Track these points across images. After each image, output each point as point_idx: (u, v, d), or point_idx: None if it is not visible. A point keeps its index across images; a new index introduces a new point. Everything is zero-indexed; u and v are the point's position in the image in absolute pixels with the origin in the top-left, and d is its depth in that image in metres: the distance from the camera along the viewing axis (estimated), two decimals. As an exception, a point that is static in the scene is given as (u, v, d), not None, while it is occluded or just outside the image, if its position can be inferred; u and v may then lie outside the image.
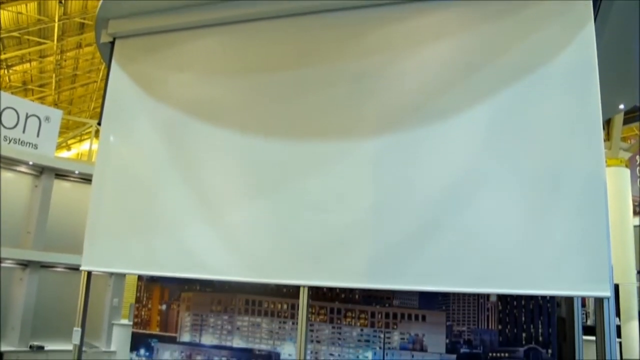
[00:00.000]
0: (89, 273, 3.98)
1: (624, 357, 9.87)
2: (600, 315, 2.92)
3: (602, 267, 2.80)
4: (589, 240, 2.83)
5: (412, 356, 3.57)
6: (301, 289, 3.41)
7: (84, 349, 4.11)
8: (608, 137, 13.22)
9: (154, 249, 3.69)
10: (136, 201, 3.81)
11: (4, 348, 8.39)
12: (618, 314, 10.67)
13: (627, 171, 13.34)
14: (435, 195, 3.11)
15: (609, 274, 2.83)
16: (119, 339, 8.93)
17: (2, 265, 8.68)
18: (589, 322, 9.92)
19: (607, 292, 2.80)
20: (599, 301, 2.90)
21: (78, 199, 9.28)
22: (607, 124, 13.26)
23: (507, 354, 3.46)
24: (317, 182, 3.37)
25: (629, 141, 16.85)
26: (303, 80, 3.54)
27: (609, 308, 2.91)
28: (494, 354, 3.47)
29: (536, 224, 2.93)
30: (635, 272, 13.12)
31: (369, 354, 3.66)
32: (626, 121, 13.91)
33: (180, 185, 3.71)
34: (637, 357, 10.69)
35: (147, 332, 4.23)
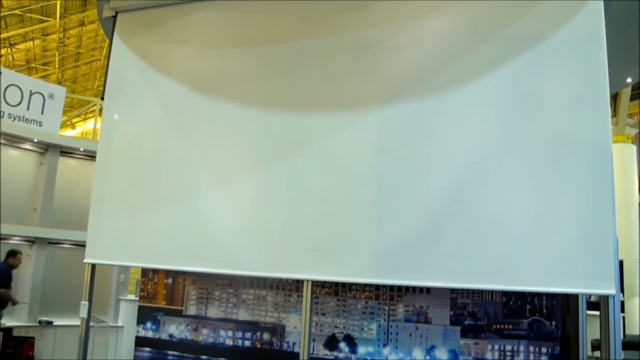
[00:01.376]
0: (93, 265, 4.01)
1: (626, 333, 9.92)
2: (605, 312, 2.92)
3: (607, 264, 2.79)
4: (596, 235, 2.81)
5: (417, 328, 3.60)
6: (305, 283, 3.44)
7: (91, 323, 4.16)
8: (615, 113, 13.11)
9: (156, 240, 3.69)
10: (139, 185, 3.80)
11: (13, 323, 8.49)
12: (622, 290, 10.69)
13: (634, 147, 13.25)
14: (441, 181, 3.10)
15: (615, 271, 2.81)
16: (126, 314, 9.02)
17: (10, 242, 8.74)
18: (593, 298, 9.98)
19: (612, 290, 2.79)
20: (604, 298, 2.90)
21: (83, 176, 9.29)
22: (614, 100, 13.13)
23: (510, 326, 3.48)
24: (320, 155, 3.36)
25: (635, 117, 16.69)
26: (305, 51, 3.51)
27: (614, 305, 2.91)
28: (498, 326, 3.49)
29: (543, 210, 2.91)
30: (639, 248, 13.12)
31: (374, 326, 3.69)
32: (633, 97, 13.77)
33: (183, 163, 3.70)
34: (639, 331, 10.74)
35: (154, 305, 4.28)
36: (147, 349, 4.13)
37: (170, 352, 4.04)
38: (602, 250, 2.79)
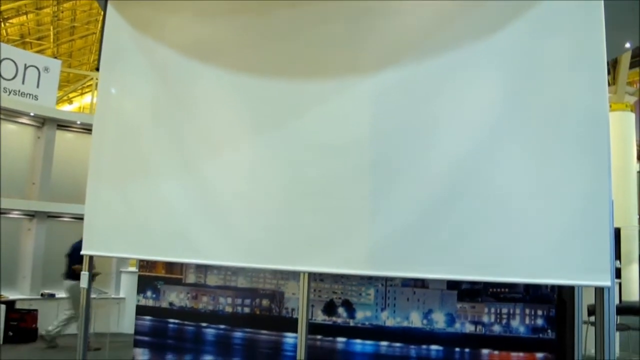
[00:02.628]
0: (91, 257, 3.99)
1: (623, 299, 10.04)
2: (600, 304, 2.92)
3: (603, 256, 2.78)
4: (591, 225, 2.79)
5: (414, 293, 3.64)
6: (301, 275, 3.46)
7: (93, 295, 4.21)
8: (614, 81, 13.05)
9: (151, 231, 3.68)
10: (134, 171, 3.79)
11: (16, 296, 8.59)
12: (619, 257, 10.79)
13: (632, 115, 13.23)
14: (440, 163, 3.08)
15: (610, 262, 2.81)
16: (127, 285, 9.12)
17: (10, 216, 8.79)
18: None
19: (607, 282, 2.79)
20: (599, 290, 2.89)
21: (81, 150, 9.28)
22: (613, 68, 13.06)
23: (507, 289, 3.52)
24: (315, 123, 3.35)
25: (634, 85, 16.59)
26: (299, 18, 3.47)
27: (609, 297, 2.91)
28: (494, 290, 3.54)
29: (540, 195, 2.88)
30: (636, 216, 13.21)
31: (372, 291, 3.73)
32: (632, 65, 13.69)
33: (181, 137, 3.68)
34: (637, 299, 10.88)
35: (153, 274, 4.31)
36: (148, 317, 4.18)
37: (171, 320, 4.10)
38: (598, 243, 2.77)
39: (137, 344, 4.17)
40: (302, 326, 3.37)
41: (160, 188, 3.70)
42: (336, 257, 3.24)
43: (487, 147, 3.00)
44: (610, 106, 12.37)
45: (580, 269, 2.79)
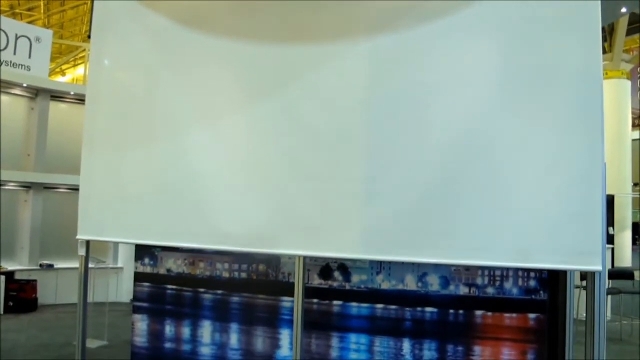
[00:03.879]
0: (88, 242, 4.00)
1: (615, 265, 10.19)
2: (592, 287, 2.96)
3: (595, 240, 2.80)
4: (583, 210, 2.79)
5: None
6: (297, 259, 3.48)
7: (91, 265, 4.24)
8: (610, 48, 12.99)
9: (148, 216, 3.69)
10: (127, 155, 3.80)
11: (14, 267, 8.65)
12: (612, 224, 10.91)
13: (628, 83, 13.21)
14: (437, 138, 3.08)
15: (602, 246, 2.82)
16: (125, 255, 9.18)
17: (6, 187, 8.79)
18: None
19: (598, 266, 2.81)
20: (591, 274, 2.92)
21: (75, 120, 9.24)
22: (610, 35, 12.98)
23: (499, 253, 3.56)
24: (308, 88, 3.34)
25: (631, 53, 16.52)
26: None
27: (599, 281, 2.94)
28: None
29: (533, 176, 2.90)
30: (630, 184, 13.31)
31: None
32: (629, 32, 13.61)
33: (175, 107, 3.66)
34: (629, 265, 11.05)
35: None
36: (146, 283, 4.23)
37: (169, 286, 4.15)
38: (589, 227, 2.79)
39: (136, 310, 4.23)
40: (298, 290, 3.42)
41: (152, 163, 3.71)
42: (330, 241, 3.25)
43: (481, 121, 2.98)
44: (606, 73, 12.35)
45: (572, 253, 2.81)
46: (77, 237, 3.94)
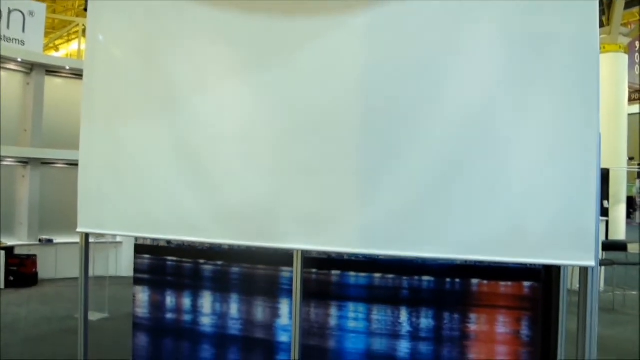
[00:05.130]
0: (87, 235, 4.05)
1: (609, 238, 10.30)
2: (585, 283, 2.99)
3: (588, 236, 2.83)
4: (578, 205, 2.82)
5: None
6: (295, 253, 3.50)
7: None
8: (608, 21, 12.92)
9: (146, 208, 3.71)
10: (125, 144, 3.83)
11: (14, 242, 8.71)
12: (607, 198, 11.00)
13: (625, 57, 13.17)
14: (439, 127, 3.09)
15: (595, 242, 2.85)
16: (124, 230, 9.22)
17: (4, 163, 8.79)
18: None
19: (591, 262, 2.84)
20: (584, 269, 2.95)
21: (72, 95, 9.21)
22: (608, 8, 12.90)
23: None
24: (303, 64, 3.34)
25: (629, 26, 16.42)
26: None
27: (592, 276, 2.97)
28: (483, 223, 3.62)
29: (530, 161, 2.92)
30: (626, 158, 13.37)
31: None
32: (627, 5, 13.51)
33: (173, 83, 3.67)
34: (623, 238, 11.17)
35: (151, 214, 4.37)
36: (147, 255, 4.28)
37: (169, 258, 4.20)
38: (584, 224, 2.82)
39: (137, 281, 4.28)
40: (297, 261, 3.48)
41: (152, 136, 3.72)
42: (327, 235, 3.28)
43: (480, 105, 2.98)
44: (604, 47, 12.31)
45: (566, 249, 2.85)
46: (77, 230, 4.00)
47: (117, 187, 3.84)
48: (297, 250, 3.51)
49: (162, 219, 3.69)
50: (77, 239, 4.06)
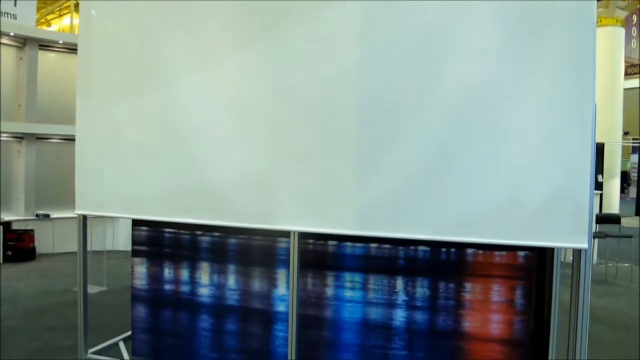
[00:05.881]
0: (84, 217, 4.11)
1: (603, 211, 10.38)
2: (577, 264, 3.06)
3: (582, 219, 2.88)
4: (572, 186, 2.87)
5: (402, 198, 3.76)
6: (292, 234, 3.52)
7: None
8: (605, -5, 12.81)
9: (143, 189, 3.79)
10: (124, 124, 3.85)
11: (11, 217, 8.72)
12: (601, 172, 11.05)
13: (622, 30, 13.10)
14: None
15: (589, 225, 2.90)
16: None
17: (-2, 138, 8.76)
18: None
19: (584, 244, 2.90)
20: (577, 251, 3.03)
21: (65, 70, 9.14)
22: (606, -19, 12.78)
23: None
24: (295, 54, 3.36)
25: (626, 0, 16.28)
26: None
27: (585, 258, 3.03)
28: (479, 194, 3.65)
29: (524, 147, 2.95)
30: (621, 132, 13.39)
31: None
32: (626, -22, 13.40)
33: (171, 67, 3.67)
34: (617, 211, 11.25)
35: (148, 187, 4.38)
36: (144, 228, 4.30)
37: (167, 230, 4.22)
38: (577, 207, 2.87)
39: (135, 253, 4.31)
40: (294, 232, 3.50)
41: (148, 111, 3.73)
42: (325, 217, 3.35)
43: (478, 81, 3.01)
44: (600, 21, 12.23)
45: (559, 231, 2.91)
46: (75, 212, 4.04)
47: (113, 168, 3.87)
48: (294, 233, 3.54)
49: (159, 200, 3.74)
50: (73, 214, 4.08)
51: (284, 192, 3.43)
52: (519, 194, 2.96)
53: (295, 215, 3.42)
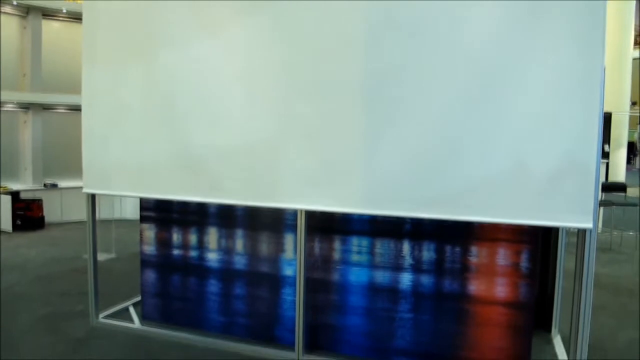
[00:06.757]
0: (93, 196, 4.16)
1: (609, 180, 10.36)
2: (582, 245, 3.03)
3: (587, 198, 2.87)
4: (580, 159, 2.86)
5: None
6: (299, 212, 3.57)
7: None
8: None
9: (148, 166, 3.81)
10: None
11: (19, 187, 8.78)
12: (608, 142, 10.99)
13: (633, 2, 12.89)
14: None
15: (594, 205, 2.89)
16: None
17: (5, 109, 8.77)
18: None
19: (589, 224, 2.90)
20: (582, 231, 3.00)
21: (70, 38, 9.09)
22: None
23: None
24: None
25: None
26: None
27: (590, 238, 3.01)
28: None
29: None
30: (629, 103, 13.28)
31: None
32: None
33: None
34: (623, 180, 11.22)
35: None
36: (153, 194, 4.33)
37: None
38: (583, 185, 2.87)
39: (144, 219, 4.36)
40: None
41: (153, 78, 3.74)
42: (330, 196, 3.38)
43: (484, 58, 3.00)
44: (611, -11, 12.02)
45: (564, 210, 2.92)
46: (83, 191, 4.09)
47: (119, 137, 3.90)
48: (301, 211, 3.60)
49: (164, 175, 3.78)
50: (81, 183, 4.12)
51: (288, 170, 3.47)
52: (524, 169, 2.97)
53: (300, 193, 3.46)
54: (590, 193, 2.90)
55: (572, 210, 2.92)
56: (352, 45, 3.25)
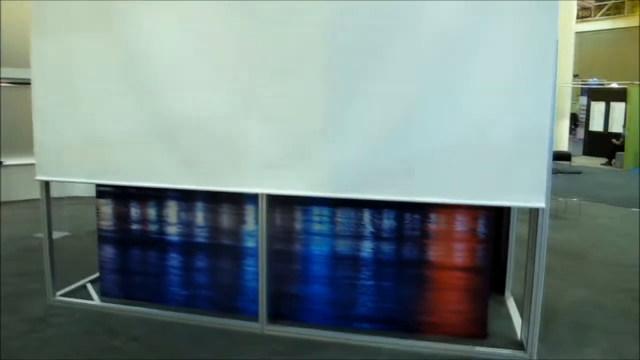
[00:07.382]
0: (47, 183, 4.04)
1: (553, 149, 10.76)
2: (534, 223, 3.21)
3: (540, 179, 3.04)
4: (531, 151, 3.01)
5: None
6: (260, 196, 3.58)
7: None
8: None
9: (104, 150, 3.74)
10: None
11: (-41, 165, 8.38)
12: (553, 112, 11.38)
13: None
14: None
15: (547, 184, 3.04)
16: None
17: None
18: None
19: (542, 203, 3.07)
20: (535, 210, 3.18)
21: (13, 12, 8.65)
22: None
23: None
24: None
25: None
26: None
27: (543, 217, 3.17)
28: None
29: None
30: (572, 74, 13.76)
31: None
32: None
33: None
34: (566, 149, 11.70)
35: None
36: (109, 169, 4.24)
37: (132, 170, 4.18)
38: (536, 166, 3.03)
39: (101, 195, 4.26)
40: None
41: (108, 49, 3.63)
42: (293, 180, 3.44)
43: (442, 55, 3.09)
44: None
45: (518, 191, 3.09)
46: (36, 178, 3.97)
47: (74, 123, 3.79)
48: (262, 195, 3.62)
49: (122, 163, 3.74)
50: (28, 160, 4.00)
51: (249, 156, 3.49)
52: (480, 149, 3.11)
53: (262, 177, 3.50)
54: (542, 175, 3.06)
55: (525, 190, 3.09)
56: (313, 26, 3.26)
